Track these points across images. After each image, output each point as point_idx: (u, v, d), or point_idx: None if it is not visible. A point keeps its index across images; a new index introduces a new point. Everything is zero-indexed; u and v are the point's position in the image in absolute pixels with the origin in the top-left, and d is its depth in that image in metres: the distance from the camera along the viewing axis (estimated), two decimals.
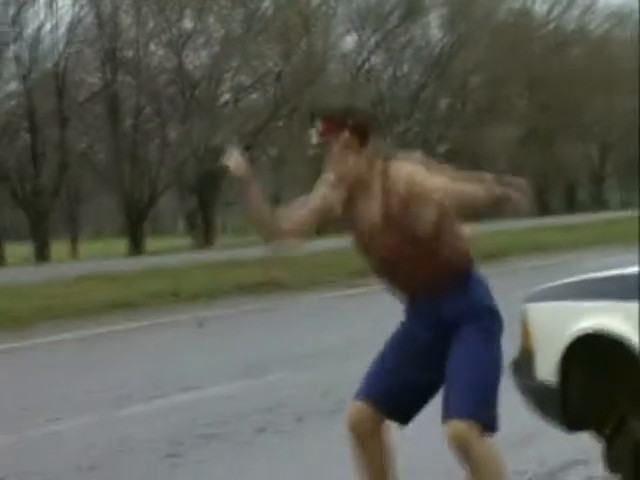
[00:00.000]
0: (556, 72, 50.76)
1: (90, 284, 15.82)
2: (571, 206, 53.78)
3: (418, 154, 3.94)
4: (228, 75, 42.70)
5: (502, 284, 14.23)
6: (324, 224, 4.07)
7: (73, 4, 38.25)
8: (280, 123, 43.26)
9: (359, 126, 3.85)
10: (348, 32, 47.76)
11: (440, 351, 3.90)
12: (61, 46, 37.83)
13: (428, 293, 3.90)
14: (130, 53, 39.27)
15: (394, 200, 3.79)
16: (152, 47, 40.34)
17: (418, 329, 3.98)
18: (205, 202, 40.63)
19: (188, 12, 40.62)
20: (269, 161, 45.00)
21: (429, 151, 49.59)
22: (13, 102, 38.25)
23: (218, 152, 37.11)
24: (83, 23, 38.93)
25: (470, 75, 51.19)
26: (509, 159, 49.67)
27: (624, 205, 58.64)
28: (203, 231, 40.85)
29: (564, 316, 4.49)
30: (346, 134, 3.83)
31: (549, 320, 4.60)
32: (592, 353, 4.40)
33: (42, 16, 37.84)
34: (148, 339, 11.06)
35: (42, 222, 37.29)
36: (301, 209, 4.01)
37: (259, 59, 42.46)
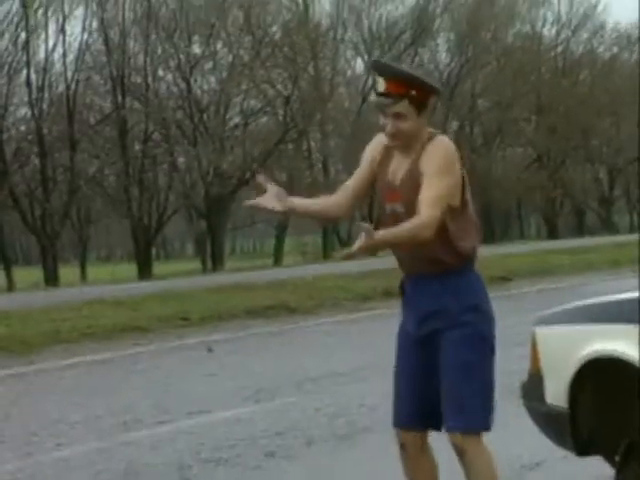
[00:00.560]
0: (564, 95, 50.83)
1: (98, 308, 15.81)
2: (580, 229, 53.70)
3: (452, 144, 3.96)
4: (237, 100, 42.87)
5: (511, 307, 14.24)
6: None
7: (82, 31, 38.55)
8: (289, 147, 43.37)
9: (419, 95, 3.89)
10: (356, 56, 47.97)
11: (428, 349, 3.94)
12: (70, 73, 38.07)
13: (420, 275, 3.92)
14: (138, 79, 39.49)
15: (417, 169, 3.89)
16: (160, 72, 40.56)
17: (411, 325, 4.01)
18: (213, 226, 40.69)
19: (196, 38, 40.85)
20: (278, 185, 44.99)
21: None
22: (23, 127, 38.44)
23: (226, 177, 37.03)
24: (92, 49, 39.19)
25: (478, 98, 51.30)
26: (517, 182, 49.65)
27: (633, 228, 58.53)
28: (211, 255, 40.89)
29: (573, 340, 4.47)
30: (406, 101, 3.89)
31: (558, 344, 4.58)
32: (602, 377, 4.38)
33: (52, 42, 38.15)
34: (156, 363, 11.04)
35: (51, 246, 37.37)
36: (348, 186, 4.15)
37: (268, 83, 42.64)
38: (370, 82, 46.47)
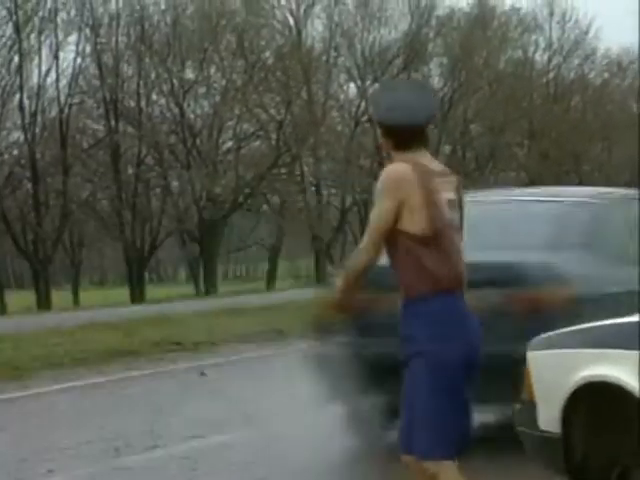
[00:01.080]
0: (556, 121, 51.05)
1: (91, 333, 15.78)
2: None
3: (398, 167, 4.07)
4: (230, 124, 42.98)
5: None
6: None
7: (76, 55, 38.66)
8: (282, 171, 43.44)
9: (389, 131, 4.08)
10: (349, 81, 48.12)
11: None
12: (63, 97, 38.14)
13: (403, 299, 4.03)
14: (132, 103, 39.59)
15: None
16: (154, 97, 40.67)
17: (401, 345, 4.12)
18: (206, 250, 40.67)
19: (189, 62, 41.00)
20: (270, 210, 45.11)
21: None
22: (16, 152, 38.47)
23: (219, 201, 37.11)
24: (85, 74, 39.28)
25: (470, 123, 51.48)
26: None
27: None
28: (204, 279, 40.85)
29: (566, 365, 4.48)
30: (382, 138, 4.15)
31: (551, 369, 4.58)
32: (594, 403, 4.38)
33: (45, 67, 38.24)
34: (149, 388, 11.01)
35: (44, 270, 37.31)
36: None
37: (260, 108, 42.76)
38: (363, 106, 46.69)
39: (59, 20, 38.07)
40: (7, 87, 37.07)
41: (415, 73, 48.87)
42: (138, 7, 39.56)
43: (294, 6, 46.07)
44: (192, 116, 41.34)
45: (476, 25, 49.88)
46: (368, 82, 47.30)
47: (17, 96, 37.42)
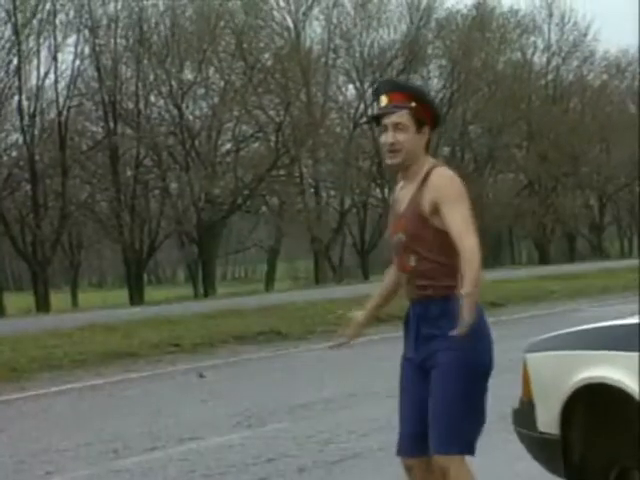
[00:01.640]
0: (555, 122, 51.07)
1: (90, 334, 15.77)
2: (571, 255, 53.80)
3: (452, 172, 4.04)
4: (228, 125, 42.98)
5: (502, 333, 14.21)
6: None
7: (74, 57, 38.64)
8: (281, 173, 43.44)
9: (421, 110, 3.99)
10: (347, 82, 48.13)
11: (427, 370, 4.00)
12: (62, 99, 38.13)
13: (421, 300, 3.99)
14: (130, 105, 39.57)
15: (422, 198, 3.96)
16: (152, 98, 40.66)
17: (409, 349, 4.08)
18: (205, 252, 40.67)
19: (188, 64, 40.98)
20: (269, 211, 45.12)
21: None
22: (15, 153, 38.46)
23: (218, 202, 37.12)
24: (84, 76, 39.27)
25: (469, 124, 51.50)
26: (509, 208, 49.78)
27: (624, 254, 58.66)
28: (203, 280, 40.84)
29: (565, 366, 4.48)
30: (406, 111, 3.96)
31: (550, 370, 4.58)
32: (593, 404, 4.38)
33: (44, 69, 38.22)
34: (147, 389, 11.00)
35: (42, 272, 37.29)
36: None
37: (259, 109, 42.76)
38: (362, 108, 46.70)
39: (58, 22, 38.08)
40: (6, 89, 37.05)
41: (414, 75, 48.88)
42: (137, 9, 39.55)
43: (293, 8, 46.11)
44: (191, 118, 41.34)
45: (475, 27, 49.90)
46: (367, 84, 47.30)
47: (16, 98, 37.43)
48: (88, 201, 39.49)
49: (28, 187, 37.99)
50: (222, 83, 41.79)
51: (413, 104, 3.96)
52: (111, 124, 38.68)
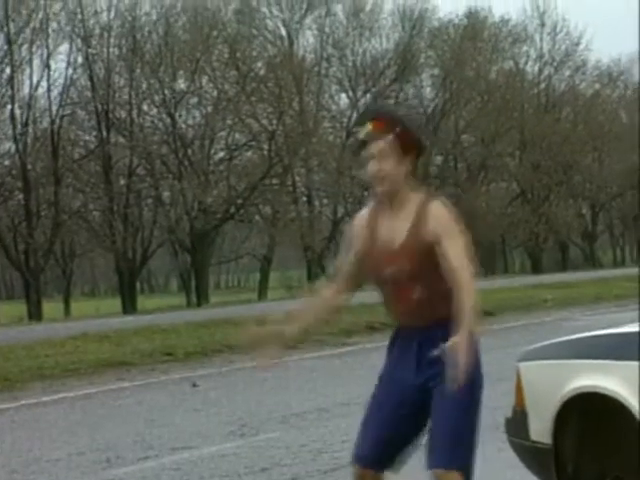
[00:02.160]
0: (547, 131, 51.18)
1: (82, 343, 15.75)
2: (563, 264, 53.88)
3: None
4: (221, 134, 43.00)
5: (495, 342, 14.24)
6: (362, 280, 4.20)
7: (67, 66, 38.65)
8: (274, 181, 43.45)
9: (405, 136, 3.95)
10: (340, 91, 48.21)
11: (423, 395, 3.97)
12: (55, 108, 38.13)
13: (418, 324, 3.98)
14: (123, 114, 39.57)
15: (423, 231, 3.94)
16: (145, 107, 40.66)
17: (402, 373, 4.04)
18: (198, 260, 40.64)
19: (181, 73, 41.01)
20: (262, 220, 45.11)
21: None
22: (7, 162, 38.43)
23: (211, 211, 37.01)
24: (77, 85, 39.27)
25: (462, 134, 51.59)
26: (502, 217, 49.84)
27: (616, 263, 58.75)
28: (196, 289, 40.81)
29: (557, 376, 4.48)
30: (390, 138, 3.92)
31: (542, 380, 4.58)
32: (585, 413, 4.38)
33: (37, 78, 38.22)
34: (140, 398, 10.98)
35: (35, 281, 37.23)
36: (343, 274, 4.15)
37: (252, 118, 42.78)
38: (355, 117, 46.71)
39: (50, 31, 38.10)
40: None
41: (407, 84, 48.98)
42: (130, 18, 39.58)
43: (286, 17, 46.18)
44: (184, 126, 41.35)
45: (467, 36, 50.02)
46: (359, 93, 47.39)
47: (8, 107, 37.41)
48: (81, 210, 39.46)
49: (21, 196, 37.96)
50: (215, 92, 41.82)
51: (397, 130, 3.93)
52: (104, 133, 38.68)
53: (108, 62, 38.90)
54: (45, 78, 38.17)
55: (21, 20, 37.46)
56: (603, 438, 4.38)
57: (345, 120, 46.94)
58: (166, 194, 40.71)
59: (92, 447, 8.00)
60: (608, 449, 4.37)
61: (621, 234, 64.30)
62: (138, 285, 48.56)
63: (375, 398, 4.14)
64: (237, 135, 43.85)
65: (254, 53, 43.82)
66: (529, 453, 4.67)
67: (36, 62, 38.08)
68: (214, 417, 9.25)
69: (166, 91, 39.99)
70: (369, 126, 3.97)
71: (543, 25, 53.17)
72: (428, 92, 50.90)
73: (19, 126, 37.34)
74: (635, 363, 4.15)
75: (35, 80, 38.05)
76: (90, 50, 38.51)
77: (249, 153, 44.86)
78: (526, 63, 54.02)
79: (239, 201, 41.87)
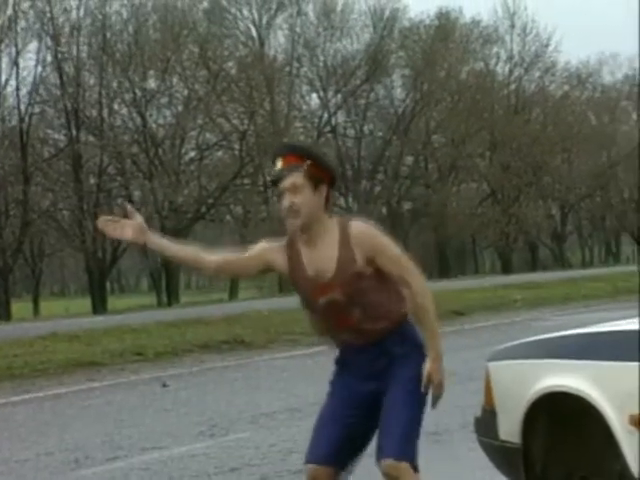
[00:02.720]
0: (517, 132, 51.43)
1: (52, 343, 15.66)
2: (533, 264, 54.17)
3: (368, 221, 4.10)
4: (192, 134, 42.90)
5: (465, 342, 14.30)
6: (259, 273, 4.21)
7: (36, 64, 38.41)
8: (245, 181, 43.40)
9: (315, 169, 3.98)
10: (311, 91, 48.24)
11: (375, 397, 4.05)
12: (24, 106, 37.88)
13: (369, 341, 4.04)
14: (93, 112, 39.37)
15: (353, 253, 3.96)
16: (116, 106, 40.48)
17: (354, 380, 4.12)
18: (168, 260, 40.46)
19: (152, 72, 40.86)
20: (234, 220, 45.05)
21: (393, 209, 49.98)
22: None
23: (182, 211, 36.96)
24: (46, 83, 39.02)
25: (433, 134, 51.74)
26: (472, 217, 50.03)
27: (585, 264, 59.15)
28: (167, 289, 40.68)
29: (526, 375, 4.50)
30: (300, 172, 3.96)
31: (511, 379, 4.61)
32: (554, 413, 4.41)
33: (5, 76, 37.95)
34: (110, 398, 10.94)
35: (4, 281, 36.96)
36: (231, 258, 4.17)
37: (223, 118, 42.71)
38: (325, 117, 46.81)
39: (19, 29, 37.83)
40: None
41: (377, 84, 49.06)
42: (100, 16, 39.39)
43: (256, 17, 46.13)
44: (154, 126, 41.21)
45: (438, 37, 50.18)
46: (330, 93, 47.42)
47: None
48: (50, 209, 39.22)
49: None
50: (186, 91, 41.71)
51: (308, 162, 3.96)
52: (74, 132, 38.47)
53: (78, 60, 38.69)
54: (14, 76, 37.95)
55: None
56: (571, 438, 4.40)
57: (316, 120, 46.95)
58: (137, 193, 40.56)
59: (61, 447, 7.96)
60: (576, 449, 4.39)
61: (589, 235, 64.74)
62: (108, 285, 48.35)
63: (327, 403, 4.22)
64: (208, 135, 43.77)
65: (225, 53, 43.75)
66: (498, 453, 4.69)
67: (5, 60, 37.86)
68: (184, 417, 9.23)
69: (136, 90, 39.84)
70: (280, 162, 4.01)
71: (513, 26, 53.46)
72: (399, 93, 51.04)
73: None
74: (604, 363, 4.18)
75: (4, 78, 37.82)
76: (59, 48, 38.29)
77: (220, 153, 44.79)
78: (496, 64, 54.30)
79: (210, 201, 41.79)
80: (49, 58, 38.62)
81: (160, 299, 40.86)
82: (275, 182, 4.03)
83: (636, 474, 4.06)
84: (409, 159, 52.41)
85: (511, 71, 54.44)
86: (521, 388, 4.47)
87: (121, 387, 11.94)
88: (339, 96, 47.66)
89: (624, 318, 4.79)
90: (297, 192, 3.95)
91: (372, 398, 4.07)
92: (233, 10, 46.32)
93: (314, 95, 48.08)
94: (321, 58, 47.42)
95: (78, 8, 38.82)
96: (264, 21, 46.22)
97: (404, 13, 49.82)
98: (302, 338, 16.11)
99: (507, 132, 51.26)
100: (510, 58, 54.05)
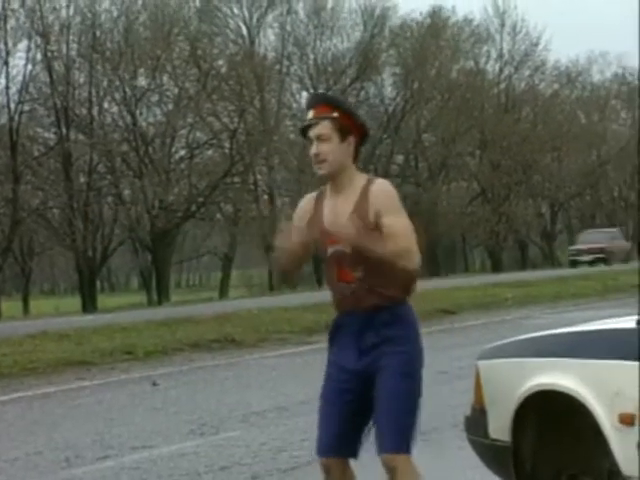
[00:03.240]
0: (507, 131, 51.53)
1: (41, 342, 15.63)
2: (523, 263, 54.25)
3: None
4: (182, 132, 42.86)
5: (455, 340, 14.32)
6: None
7: (26, 62, 38.31)
8: (235, 180, 43.37)
9: (344, 120, 4.08)
10: (301, 90, 48.22)
11: (364, 382, 4.11)
12: (13, 104, 37.79)
13: (367, 309, 4.07)
14: (83, 111, 39.30)
15: (365, 212, 4.02)
16: (106, 105, 40.41)
17: (343, 358, 4.17)
18: (159, 259, 40.47)
19: (142, 70, 40.79)
20: (224, 218, 45.01)
21: None
22: None
23: (172, 210, 36.93)
24: (36, 81, 38.92)
25: (423, 133, 51.79)
26: (462, 216, 50.09)
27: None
28: (157, 288, 40.63)
29: (516, 374, 4.51)
30: (328, 122, 4.05)
31: (501, 378, 4.62)
32: (544, 411, 4.41)
33: None
34: (100, 398, 10.92)
35: None
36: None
37: (213, 116, 42.68)
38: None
39: (8, 27, 37.72)
40: None
41: (368, 82, 49.07)
42: (90, 14, 39.31)
43: (247, 15, 46.10)
44: (144, 124, 41.14)
45: (429, 35, 50.22)
46: (321, 91, 47.31)
47: None
48: (40, 208, 39.13)
49: None
50: (176, 90, 41.66)
51: (335, 114, 4.04)
52: (64, 130, 38.38)
53: (68, 59, 38.61)
54: (4, 75, 37.86)
55: None
56: (561, 436, 4.41)
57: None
58: (127, 192, 40.50)
59: (51, 446, 7.95)
60: (565, 447, 4.41)
61: (579, 233, 64.83)
62: (98, 283, 48.27)
63: (325, 391, 4.28)
64: (198, 133, 43.72)
65: (215, 51, 43.71)
66: (488, 451, 4.70)
67: None
68: (174, 416, 9.22)
69: (127, 88, 39.77)
70: (311, 112, 4.10)
71: (503, 25, 53.56)
72: (389, 91, 51.06)
73: None
74: (593, 361, 4.19)
75: None
76: (49, 47, 38.19)
77: (210, 151, 44.75)
78: (487, 63, 54.38)
79: (200, 199, 41.75)
80: (39, 56, 38.55)
81: (150, 298, 40.82)
82: (305, 131, 4.10)
83: (625, 472, 4.07)
84: (399, 158, 52.45)
85: (501, 70, 54.54)
86: (511, 386, 4.48)
87: (111, 386, 11.93)
88: (332, 93, 47.67)
89: (613, 316, 4.81)
90: (324, 141, 4.05)
91: (365, 376, 4.11)
92: (224, 8, 46.29)
93: (304, 93, 48.06)
94: (311, 56, 47.41)
95: (68, 6, 38.77)
96: (254, 19, 46.20)
97: (395, 11, 49.90)
98: (291, 337, 16.13)
99: (497, 131, 51.34)
100: (500, 57, 54.16)
